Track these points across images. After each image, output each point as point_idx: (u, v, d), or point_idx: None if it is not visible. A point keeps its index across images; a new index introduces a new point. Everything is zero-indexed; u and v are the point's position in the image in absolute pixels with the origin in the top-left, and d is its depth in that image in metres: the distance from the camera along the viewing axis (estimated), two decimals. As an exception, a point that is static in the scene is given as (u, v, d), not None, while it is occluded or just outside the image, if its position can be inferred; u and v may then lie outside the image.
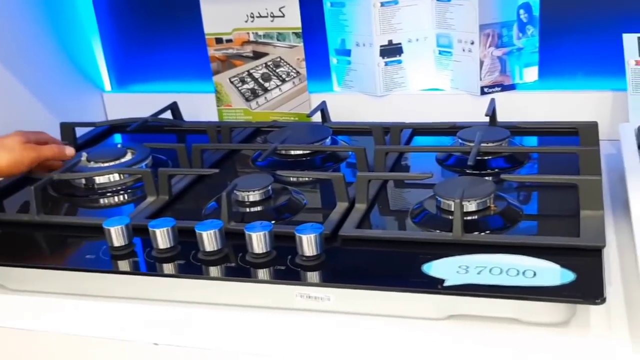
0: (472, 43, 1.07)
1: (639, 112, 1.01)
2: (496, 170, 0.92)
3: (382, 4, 1.09)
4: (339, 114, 1.15)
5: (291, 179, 0.93)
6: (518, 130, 0.99)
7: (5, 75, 1.09)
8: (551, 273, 0.66)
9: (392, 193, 0.90)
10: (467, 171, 0.91)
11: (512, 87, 1.11)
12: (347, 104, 1.17)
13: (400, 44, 1.12)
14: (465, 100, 1.12)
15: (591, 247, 0.69)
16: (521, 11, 1.07)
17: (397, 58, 1.13)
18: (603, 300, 0.61)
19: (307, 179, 0.94)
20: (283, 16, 1.14)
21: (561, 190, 0.82)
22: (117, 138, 1.20)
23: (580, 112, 1.05)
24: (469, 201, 0.76)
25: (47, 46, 1.19)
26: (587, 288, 0.63)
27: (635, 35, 1.01)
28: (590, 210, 0.75)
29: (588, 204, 0.75)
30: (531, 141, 1.02)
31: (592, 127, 0.93)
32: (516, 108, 1.09)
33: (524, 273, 0.66)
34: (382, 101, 1.16)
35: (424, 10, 1.11)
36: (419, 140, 1.06)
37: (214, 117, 1.24)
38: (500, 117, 1.04)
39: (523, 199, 0.84)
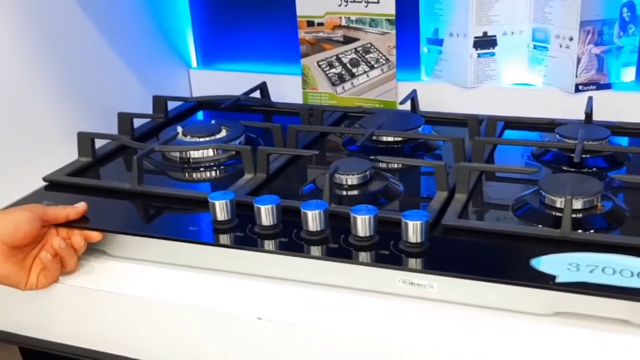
0: (571, 39, 1.06)
1: None
2: (595, 169, 0.90)
3: (481, -5, 1.08)
4: (426, 103, 1.14)
5: (386, 165, 0.93)
6: (617, 130, 0.98)
7: (101, 43, 1.11)
8: (666, 276, 0.65)
9: (487, 185, 0.89)
10: (564, 168, 0.91)
11: (607, 86, 1.09)
12: (435, 94, 1.16)
13: (495, 36, 1.11)
14: (558, 96, 1.10)
15: None
16: (624, 9, 1.04)
17: (491, 50, 1.12)
18: None
19: (399, 165, 0.94)
20: (378, 2, 1.14)
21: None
22: (202, 115, 1.21)
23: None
24: (576, 199, 0.76)
25: (142, 21, 1.21)
26: None
27: None
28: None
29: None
30: (628, 141, 1.01)
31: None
32: (611, 107, 1.07)
33: (638, 275, 0.66)
34: (471, 93, 1.15)
35: (523, 3, 1.09)
36: (510, 134, 1.05)
37: (298, 99, 1.25)
38: (595, 116, 1.03)
39: (626, 200, 0.82)
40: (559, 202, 0.75)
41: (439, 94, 1.17)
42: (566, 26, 1.06)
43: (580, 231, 0.74)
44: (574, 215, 0.75)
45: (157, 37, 1.24)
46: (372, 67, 1.19)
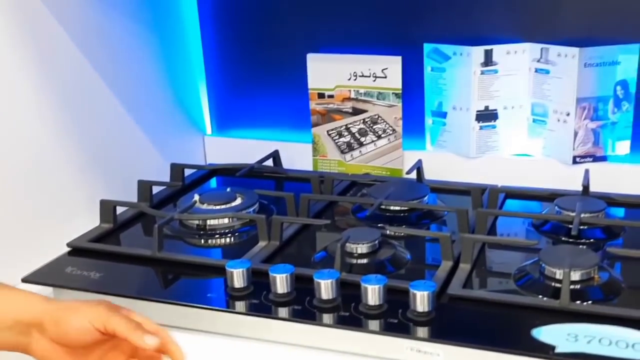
0: (568, 114, 1.12)
1: None
2: (592, 240, 0.95)
3: (482, 72, 1.15)
4: (431, 172, 1.19)
5: (393, 233, 0.98)
6: (613, 202, 1.03)
7: (121, 112, 1.17)
8: (660, 348, 0.69)
9: (490, 254, 0.94)
10: (562, 239, 0.95)
11: (603, 159, 1.14)
12: (440, 163, 1.22)
13: (496, 110, 1.17)
14: (556, 167, 1.16)
15: (697, 325, 0.72)
16: (618, 87, 1.11)
17: (492, 123, 1.18)
18: None
19: (404, 234, 0.99)
20: (385, 77, 1.21)
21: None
22: (216, 181, 1.27)
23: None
24: (575, 270, 0.80)
25: (159, 88, 1.27)
26: (696, 366, 0.66)
27: None
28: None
29: (692, 282, 0.78)
30: (622, 213, 1.06)
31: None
32: (607, 179, 1.12)
33: (633, 346, 0.70)
34: (473, 163, 1.20)
35: (522, 79, 1.16)
36: (512, 204, 1.10)
37: (308, 165, 1.30)
38: (592, 188, 1.08)
39: (622, 271, 0.87)
40: (558, 274, 0.80)
41: (443, 163, 1.22)
42: (563, 102, 1.12)
43: (578, 302, 0.79)
44: (572, 287, 0.79)
45: (173, 106, 1.30)
46: (379, 137, 1.25)
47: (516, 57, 1.15)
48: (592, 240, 0.95)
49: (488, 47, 1.14)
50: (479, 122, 1.18)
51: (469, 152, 1.20)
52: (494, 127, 1.19)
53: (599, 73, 1.10)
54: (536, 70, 1.14)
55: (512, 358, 0.71)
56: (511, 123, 1.18)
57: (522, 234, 1.00)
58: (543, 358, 0.70)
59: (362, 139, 1.26)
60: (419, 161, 1.17)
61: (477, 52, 1.14)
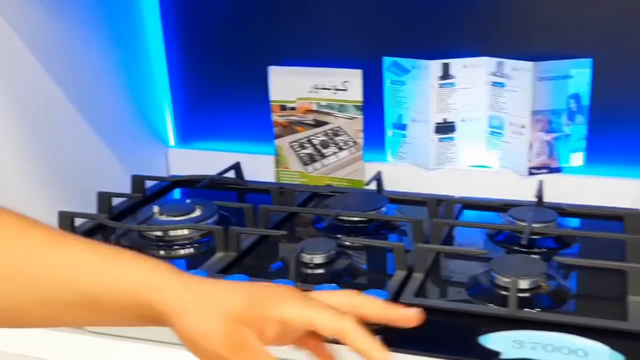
0: (523, 127, 1.14)
1: (681, 203, 1.06)
2: (544, 249, 0.97)
3: (440, 85, 1.17)
4: (391, 183, 1.21)
5: (350, 243, 0.99)
6: (565, 212, 1.05)
7: (82, 123, 1.17)
8: (601, 354, 0.71)
9: (444, 264, 0.96)
10: (515, 248, 0.97)
11: (558, 170, 1.17)
12: (400, 175, 1.23)
13: (454, 122, 1.19)
14: (512, 179, 1.18)
15: (635, 331, 0.74)
16: (571, 101, 1.13)
17: (450, 135, 1.20)
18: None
19: (362, 245, 1.00)
20: (346, 90, 1.23)
21: (606, 274, 0.87)
22: (179, 193, 1.27)
23: (622, 199, 1.11)
24: (522, 279, 0.82)
25: (121, 100, 1.27)
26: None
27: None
28: (637, 295, 0.80)
29: (637, 290, 0.80)
30: (576, 223, 1.08)
31: (638, 215, 0.99)
32: (561, 190, 1.15)
33: (575, 352, 0.71)
34: (433, 174, 1.22)
35: (479, 93, 1.18)
36: (468, 214, 1.12)
37: (271, 177, 1.32)
38: (546, 198, 1.11)
39: (570, 280, 0.89)
40: (506, 282, 0.81)
41: (403, 174, 1.24)
42: (519, 115, 1.15)
43: (526, 310, 0.80)
44: (520, 295, 0.81)
45: (136, 117, 1.31)
46: (340, 149, 1.26)
47: (473, 71, 1.17)
48: (543, 249, 0.97)
49: (445, 61, 1.16)
50: (437, 134, 1.20)
51: (428, 164, 1.22)
52: (452, 139, 1.21)
53: (552, 87, 1.13)
54: (492, 84, 1.17)
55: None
56: (469, 135, 1.21)
57: (480, 244, 1.02)
58: (488, 364, 0.71)
59: (324, 151, 1.27)
60: (379, 173, 1.18)
61: (434, 66, 1.16)
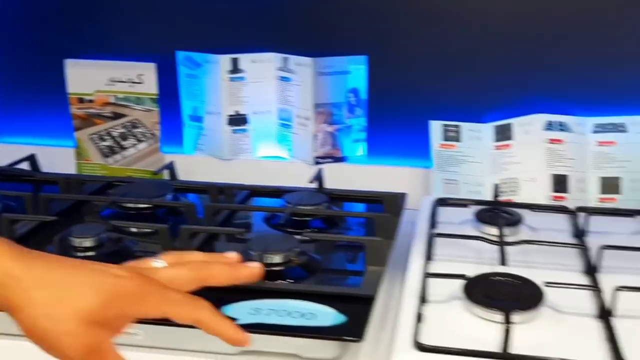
0: (307, 119, 1.22)
1: (441, 187, 1.18)
2: (314, 230, 1.04)
3: (231, 79, 1.23)
4: (189, 174, 1.26)
5: (129, 229, 1.02)
6: (334, 196, 1.13)
7: None
8: (327, 316, 0.78)
9: (218, 246, 1.01)
10: (288, 229, 1.04)
11: (342, 159, 1.26)
12: (197, 165, 1.28)
13: (246, 114, 1.26)
14: (301, 168, 1.25)
15: (365, 295, 0.82)
16: (350, 95, 1.23)
17: (243, 127, 1.26)
18: (361, 339, 0.74)
19: (136, 229, 1.03)
20: (142, 83, 1.26)
21: (358, 249, 0.96)
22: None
23: (399, 184, 1.20)
24: (272, 254, 0.89)
25: None
26: (352, 328, 0.76)
27: (439, 123, 1.19)
28: (374, 266, 0.89)
29: (373, 260, 0.89)
30: (348, 207, 1.16)
31: (394, 197, 1.08)
32: (344, 178, 1.23)
33: (305, 315, 0.79)
34: (228, 165, 1.28)
35: (269, 86, 1.25)
36: (255, 201, 1.18)
37: (72, 170, 1.32)
38: (331, 185, 1.19)
39: (325, 255, 0.97)
40: (254, 257, 0.88)
41: (201, 165, 1.29)
42: (303, 107, 1.22)
43: (270, 281, 0.87)
44: (273, 269, 0.88)
45: None
46: (139, 141, 1.29)
47: (262, 66, 1.24)
48: (314, 229, 1.04)
49: (234, 56, 1.22)
50: (230, 126, 1.26)
51: (223, 155, 1.27)
52: (245, 131, 1.27)
53: (331, 81, 1.21)
54: (280, 78, 1.24)
55: (199, 332, 0.78)
56: (261, 127, 1.27)
57: (259, 228, 1.08)
58: (226, 330, 0.77)
59: (123, 143, 1.30)
60: (171, 162, 1.23)
61: (224, 60, 1.22)
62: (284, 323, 0.77)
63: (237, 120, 1.26)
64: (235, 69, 1.23)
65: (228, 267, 0.61)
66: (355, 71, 1.22)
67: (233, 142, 1.27)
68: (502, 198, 1.15)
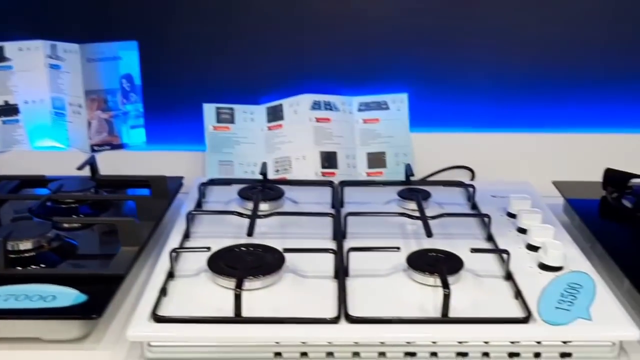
0: (80, 106, 1.21)
1: (216, 168, 1.21)
2: (81, 215, 1.04)
3: (-5, 68, 1.19)
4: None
5: None
6: (104, 182, 1.13)
7: None
8: (68, 297, 0.79)
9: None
10: (52, 217, 1.02)
11: (121, 146, 1.25)
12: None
13: (17, 104, 1.22)
14: (78, 157, 1.23)
15: (111, 275, 0.83)
16: (124, 80, 1.22)
17: (15, 117, 1.23)
18: (99, 316, 0.76)
19: None
20: None
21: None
22: None
23: (177, 169, 1.21)
24: (21, 240, 0.87)
25: None
26: (91, 307, 0.77)
27: (213, 105, 1.22)
28: (129, 246, 0.90)
29: (126, 241, 0.90)
30: (121, 193, 1.16)
31: (161, 180, 1.10)
32: (125, 164, 1.23)
33: (44, 298, 0.78)
34: (2, 157, 1.23)
35: (39, 75, 1.22)
36: (25, 192, 1.15)
37: None
38: (111, 172, 1.18)
39: (84, 239, 0.96)
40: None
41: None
42: (75, 95, 1.21)
43: (31, 267, 0.86)
44: (23, 255, 0.87)
45: None
46: None
47: (30, 54, 1.21)
48: (82, 215, 1.03)
49: (-1, 44, 1.19)
50: (1, 116, 1.22)
51: (-3, 147, 1.23)
52: (17, 121, 1.23)
53: (103, 67, 1.20)
54: (50, 66, 1.21)
55: None
56: (35, 117, 1.24)
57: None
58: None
59: None
60: None
61: (-15, 49, 1.18)
62: (21, 307, 0.77)
63: (7, 110, 1.22)
64: (0, 57, 1.19)
65: None
66: (127, 57, 1.22)
67: (5, 133, 1.23)
68: (277, 176, 1.21)
